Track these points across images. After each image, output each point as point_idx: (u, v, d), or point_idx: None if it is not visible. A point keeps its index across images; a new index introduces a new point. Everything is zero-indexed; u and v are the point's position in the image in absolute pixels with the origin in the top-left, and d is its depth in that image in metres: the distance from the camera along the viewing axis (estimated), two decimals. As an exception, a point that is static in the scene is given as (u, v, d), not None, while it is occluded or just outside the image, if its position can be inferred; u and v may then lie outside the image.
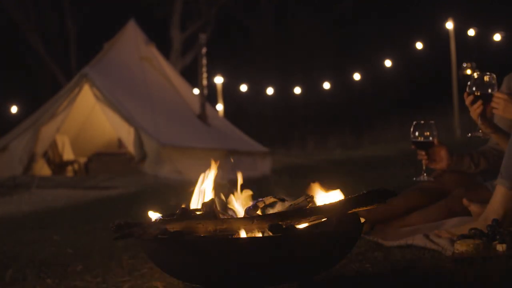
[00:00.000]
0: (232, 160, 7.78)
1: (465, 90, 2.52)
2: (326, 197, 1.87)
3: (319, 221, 1.77)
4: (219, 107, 14.67)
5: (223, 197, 1.97)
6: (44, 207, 5.85)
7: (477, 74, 2.49)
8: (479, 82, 2.48)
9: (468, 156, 2.83)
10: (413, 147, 2.70)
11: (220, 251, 1.64)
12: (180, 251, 1.68)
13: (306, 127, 20.00)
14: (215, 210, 1.82)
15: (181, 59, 18.87)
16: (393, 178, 5.95)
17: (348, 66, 17.31)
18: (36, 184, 8.12)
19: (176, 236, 1.65)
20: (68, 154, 10.41)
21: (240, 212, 1.92)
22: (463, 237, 2.23)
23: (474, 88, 2.49)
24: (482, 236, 2.21)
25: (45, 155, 9.66)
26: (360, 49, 20.03)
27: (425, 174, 2.67)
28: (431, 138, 2.64)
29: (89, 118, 10.88)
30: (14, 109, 15.61)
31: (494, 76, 2.48)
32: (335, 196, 1.86)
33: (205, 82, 10.32)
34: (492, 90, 2.48)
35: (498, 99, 2.45)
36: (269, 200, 1.92)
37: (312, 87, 17.48)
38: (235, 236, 1.72)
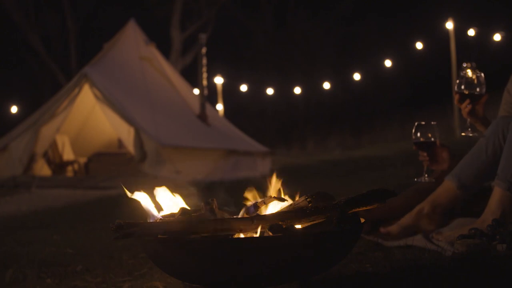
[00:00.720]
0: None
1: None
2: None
3: (319, 221, 1.77)
4: (219, 107, 14.68)
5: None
6: (44, 207, 5.85)
7: (464, 73, 2.49)
8: (467, 81, 2.49)
9: None
10: (414, 148, 2.70)
11: (220, 251, 1.64)
12: (180, 251, 1.68)
13: (306, 127, 20.01)
14: (215, 210, 1.82)
15: (181, 59, 18.88)
16: (393, 178, 5.95)
17: (348, 66, 17.33)
18: (36, 184, 8.12)
19: (176, 236, 1.65)
20: (68, 154, 10.42)
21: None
22: (463, 237, 2.23)
23: (462, 87, 2.50)
24: (482, 236, 2.21)
25: (45, 155, 9.66)
26: (360, 49, 20.05)
27: (426, 175, 2.67)
28: (433, 139, 2.64)
29: (89, 118, 10.89)
30: (14, 109, 15.62)
31: (482, 75, 2.48)
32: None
33: (205, 82, 10.32)
34: (481, 89, 2.48)
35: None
36: (269, 200, 1.92)
37: (312, 87, 17.49)
38: (235, 236, 1.72)
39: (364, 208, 1.79)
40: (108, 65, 9.65)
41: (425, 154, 2.73)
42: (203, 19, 19.43)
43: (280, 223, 1.69)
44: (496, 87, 2.89)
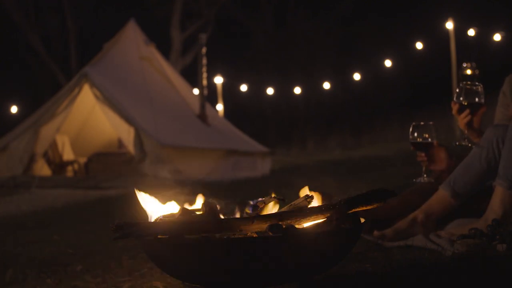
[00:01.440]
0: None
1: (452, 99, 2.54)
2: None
3: (319, 221, 1.77)
4: (219, 107, 14.67)
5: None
6: (44, 207, 5.85)
7: (463, 84, 2.49)
8: (466, 92, 2.48)
9: None
10: (412, 148, 2.70)
11: (220, 251, 1.64)
12: (180, 251, 1.68)
13: (306, 127, 20.02)
14: (215, 210, 1.82)
15: (181, 59, 18.88)
16: (393, 178, 5.96)
17: (348, 66, 17.33)
18: (36, 184, 8.12)
19: (176, 236, 1.65)
20: (68, 154, 10.41)
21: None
22: (463, 237, 2.23)
23: (461, 98, 2.49)
24: (482, 236, 2.21)
25: (45, 155, 9.65)
26: (360, 49, 20.05)
27: (425, 175, 2.67)
28: (430, 140, 2.64)
29: (89, 118, 10.88)
30: (14, 109, 15.61)
31: (481, 85, 2.48)
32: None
33: (205, 82, 10.32)
34: (479, 99, 2.48)
35: None
36: (269, 200, 1.92)
37: (312, 87, 17.49)
38: (235, 236, 1.72)
39: (364, 208, 1.79)
40: (108, 65, 9.65)
41: (423, 154, 2.73)
42: (203, 19, 19.43)
43: (280, 223, 1.69)
44: (496, 87, 2.89)
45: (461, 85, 2.50)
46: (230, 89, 16.39)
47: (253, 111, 19.81)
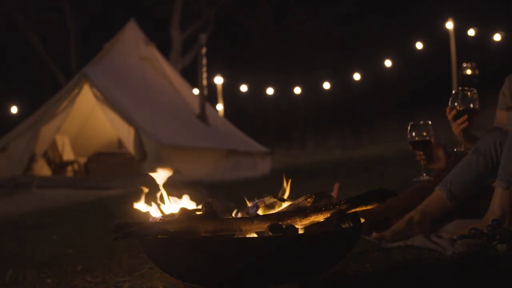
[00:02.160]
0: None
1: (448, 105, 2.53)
2: None
3: (319, 221, 1.77)
4: (219, 107, 14.67)
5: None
6: (44, 207, 5.85)
7: (458, 89, 2.49)
8: (461, 98, 2.48)
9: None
10: (410, 147, 2.71)
11: (220, 251, 1.64)
12: (180, 251, 1.68)
13: (306, 127, 20.02)
14: (215, 210, 1.82)
15: (181, 59, 18.88)
16: (393, 178, 5.96)
17: (348, 66, 17.32)
18: (36, 184, 8.12)
19: (176, 236, 1.65)
20: (68, 154, 10.42)
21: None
22: (463, 237, 2.23)
23: (456, 104, 2.49)
24: (482, 236, 2.21)
25: (45, 155, 9.66)
26: (360, 50, 20.05)
27: (424, 174, 2.67)
28: (428, 138, 2.64)
29: (89, 118, 10.88)
30: (14, 109, 15.61)
31: (475, 91, 2.48)
32: None
33: (205, 82, 10.32)
34: (474, 105, 2.47)
35: None
36: (269, 200, 1.92)
37: (312, 87, 17.47)
38: (235, 236, 1.72)
39: (364, 208, 1.79)
40: (108, 65, 9.65)
41: (421, 153, 2.73)
42: (203, 19, 19.44)
43: (280, 223, 1.69)
44: (496, 87, 2.88)
45: (456, 90, 2.49)
46: (230, 89, 16.37)
47: (253, 111, 19.81)
